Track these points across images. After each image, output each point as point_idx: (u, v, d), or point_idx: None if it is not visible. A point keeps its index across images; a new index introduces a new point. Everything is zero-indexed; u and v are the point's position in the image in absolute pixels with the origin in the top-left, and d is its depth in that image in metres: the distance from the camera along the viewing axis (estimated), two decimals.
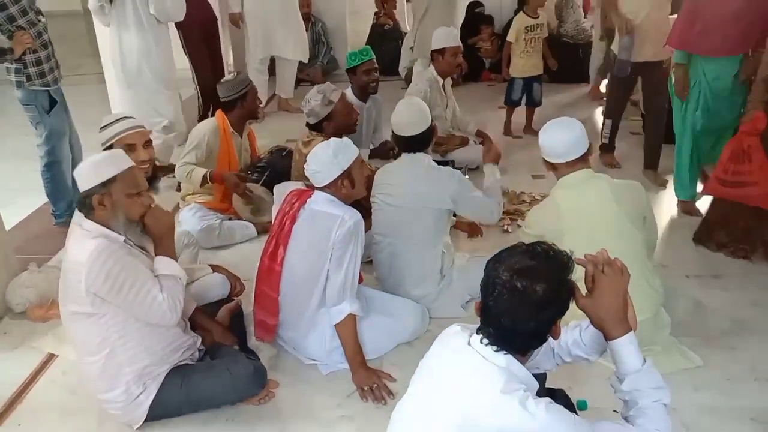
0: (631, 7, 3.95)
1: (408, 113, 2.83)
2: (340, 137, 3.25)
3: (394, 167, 2.89)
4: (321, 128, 3.33)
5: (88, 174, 2.02)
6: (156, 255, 2.17)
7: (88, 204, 2.02)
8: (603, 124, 4.52)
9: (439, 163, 3.92)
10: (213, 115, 3.66)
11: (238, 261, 3.29)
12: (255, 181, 3.66)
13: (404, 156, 2.84)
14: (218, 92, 3.54)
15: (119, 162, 2.07)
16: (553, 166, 2.45)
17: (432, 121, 2.86)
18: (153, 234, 2.15)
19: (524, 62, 5.04)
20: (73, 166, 3.66)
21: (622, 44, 4.05)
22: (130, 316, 2.03)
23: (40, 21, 3.38)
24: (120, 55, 4.21)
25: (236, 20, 5.70)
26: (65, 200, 3.60)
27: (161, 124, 4.33)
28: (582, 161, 2.40)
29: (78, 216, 2.08)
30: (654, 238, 2.62)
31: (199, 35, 5.08)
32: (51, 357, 2.63)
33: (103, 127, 2.57)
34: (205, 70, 5.10)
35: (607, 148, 4.53)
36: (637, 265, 2.28)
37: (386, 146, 4.21)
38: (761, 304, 2.87)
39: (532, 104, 5.19)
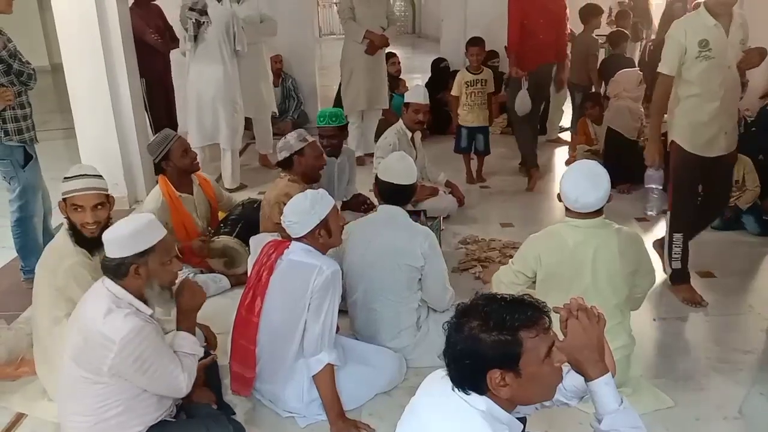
0: (706, 88, 3.08)
1: (400, 164, 2.89)
2: (308, 182, 3.41)
3: (371, 221, 2.88)
4: (291, 163, 3.45)
5: (125, 241, 2.00)
6: (179, 327, 2.21)
7: (122, 271, 2.00)
8: (669, 241, 3.36)
9: (410, 212, 4.05)
10: None
11: (212, 314, 3.24)
12: (228, 233, 3.67)
13: (382, 209, 2.85)
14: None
15: (156, 231, 2.07)
16: (567, 208, 2.43)
17: (415, 182, 2.89)
18: (183, 307, 2.21)
19: (466, 114, 5.33)
20: (44, 222, 3.66)
21: (651, 177, 3.38)
22: (138, 389, 2.02)
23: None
24: (198, 84, 4.93)
25: None
26: (35, 256, 3.52)
27: (226, 141, 5.06)
28: (596, 213, 2.39)
29: (106, 280, 2.03)
30: (648, 284, 2.60)
31: (159, 86, 5.35)
32: (20, 416, 2.55)
33: (66, 178, 2.55)
34: (162, 122, 5.26)
35: (680, 277, 3.38)
36: (617, 318, 2.39)
37: (359, 199, 4.29)
38: (725, 344, 2.96)
39: (478, 153, 5.45)
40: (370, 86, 5.78)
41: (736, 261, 3.82)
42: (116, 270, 2.01)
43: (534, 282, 2.52)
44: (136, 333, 1.93)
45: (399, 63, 7.16)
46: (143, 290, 2.06)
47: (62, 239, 2.52)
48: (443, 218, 4.33)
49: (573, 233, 2.42)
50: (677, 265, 3.35)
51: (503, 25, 6.36)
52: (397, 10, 20.03)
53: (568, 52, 5.89)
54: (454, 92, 5.37)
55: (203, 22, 4.78)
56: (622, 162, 5.00)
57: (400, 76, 7.24)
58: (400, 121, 4.41)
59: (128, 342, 1.91)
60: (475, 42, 5.29)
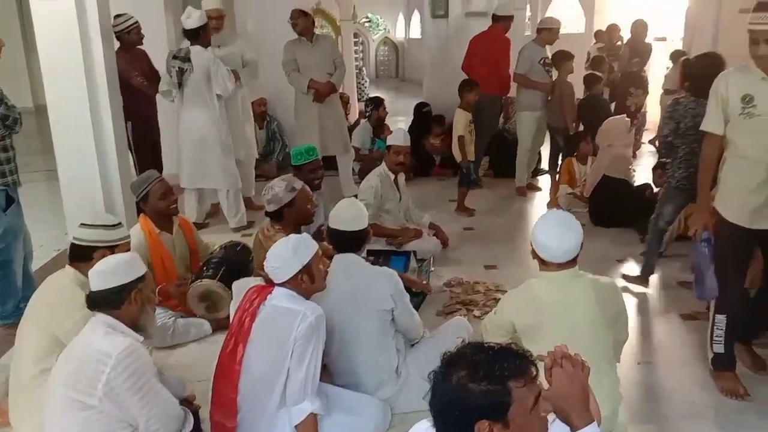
0: (751, 150, 2.69)
1: (349, 210, 2.88)
2: (299, 227, 3.40)
3: (331, 272, 2.71)
4: (281, 215, 3.39)
5: (124, 268, 2.14)
6: None
7: (122, 297, 2.10)
8: (711, 322, 2.97)
9: (397, 254, 4.06)
10: None
11: (193, 360, 3.22)
12: (211, 276, 3.63)
13: (337, 258, 2.80)
14: None
15: (141, 262, 2.24)
16: (542, 261, 2.38)
17: (368, 225, 2.88)
18: None
19: (471, 149, 5.68)
20: (24, 265, 3.60)
21: (698, 252, 2.87)
22: (121, 422, 2.01)
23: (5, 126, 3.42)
24: (188, 129, 5.06)
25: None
26: (13, 300, 3.49)
27: (224, 182, 5.15)
28: (572, 262, 2.35)
29: (98, 314, 2.11)
30: (625, 336, 2.57)
31: (145, 129, 5.37)
32: None
33: (88, 225, 2.59)
34: (147, 165, 5.28)
35: (724, 363, 2.95)
36: (604, 371, 2.33)
37: (320, 228, 4.26)
38: (709, 389, 2.95)
39: (473, 185, 5.85)
40: (327, 133, 5.85)
41: None
42: (117, 296, 2.10)
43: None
44: (133, 350, 2.00)
45: (386, 109, 7.26)
46: (137, 318, 2.15)
47: (69, 288, 2.48)
48: (424, 259, 4.34)
49: (548, 287, 2.37)
50: (719, 349, 2.91)
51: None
52: (381, 54, 20.49)
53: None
54: (461, 133, 5.60)
55: (186, 69, 4.88)
56: (618, 206, 5.17)
57: (385, 121, 7.31)
58: (383, 164, 4.46)
59: (125, 357, 1.97)
60: (475, 83, 5.70)
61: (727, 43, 6.61)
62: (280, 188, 3.37)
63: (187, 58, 4.87)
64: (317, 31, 6.03)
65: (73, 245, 2.59)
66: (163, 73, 5.16)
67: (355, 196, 4.89)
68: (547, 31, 5.97)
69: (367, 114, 7.21)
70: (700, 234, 2.87)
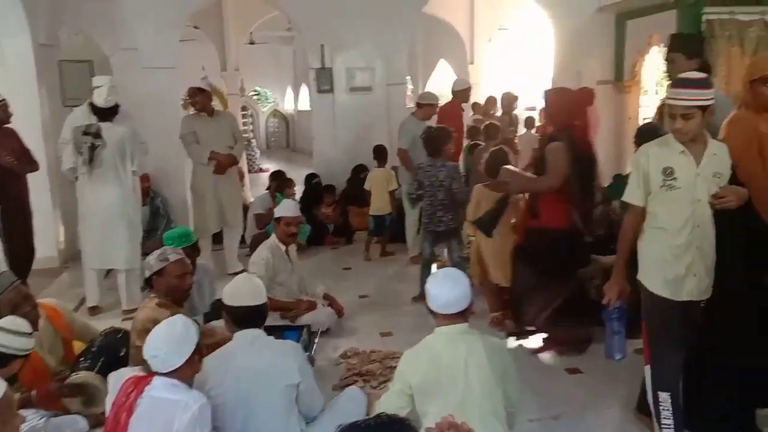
0: (669, 222, 2.69)
1: (246, 285, 2.82)
2: (178, 302, 3.29)
3: (230, 353, 2.66)
4: (151, 283, 3.33)
5: None
6: None
7: None
8: (654, 403, 2.77)
9: (291, 329, 3.97)
10: None
11: None
12: (88, 368, 3.36)
13: (239, 335, 2.70)
14: None
15: None
16: (433, 314, 2.53)
17: (267, 300, 2.83)
18: None
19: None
20: None
21: (611, 316, 3.25)
22: None
23: None
24: (95, 206, 4.84)
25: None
26: None
27: (127, 261, 4.92)
28: (460, 316, 2.50)
29: None
30: (517, 396, 2.60)
31: (16, 211, 5.09)
32: None
33: (11, 331, 2.55)
34: (19, 250, 5.03)
35: None
36: (495, 423, 2.40)
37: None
38: None
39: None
40: (224, 205, 5.85)
41: (602, 357, 3.92)
42: None
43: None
44: None
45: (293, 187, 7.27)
46: None
47: None
48: (323, 331, 4.28)
49: (442, 341, 2.50)
50: (669, 430, 2.72)
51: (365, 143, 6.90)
52: (271, 126, 20.68)
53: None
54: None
55: (98, 145, 4.71)
56: None
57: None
58: (273, 236, 4.42)
59: None
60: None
61: None
62: (153, 256, 3.34)
63: (98, 134, 4.70)
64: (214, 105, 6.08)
65: None
66: (57, 148, 4.95)
67: (243, 270, 4.84)
68: (429, 107, 6.19)
69: (268, 187, 7.22)
70: (614, 302, 2.91)
